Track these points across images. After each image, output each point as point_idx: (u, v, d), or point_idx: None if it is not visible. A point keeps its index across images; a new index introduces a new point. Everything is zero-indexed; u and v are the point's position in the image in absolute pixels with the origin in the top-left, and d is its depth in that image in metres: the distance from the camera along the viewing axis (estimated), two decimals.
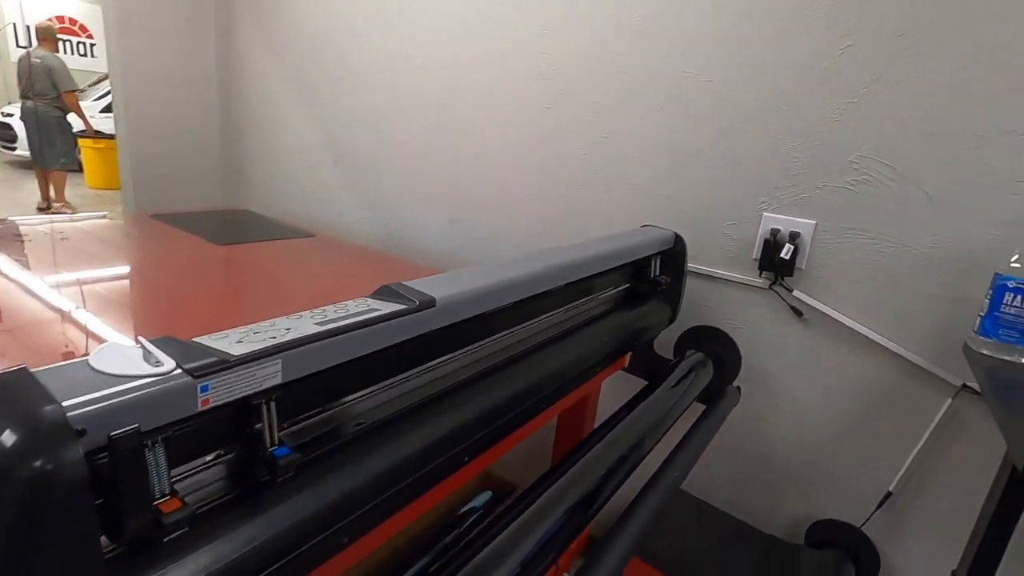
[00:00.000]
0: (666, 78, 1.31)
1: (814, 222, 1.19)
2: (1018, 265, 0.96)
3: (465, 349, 0.75)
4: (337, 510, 0.53)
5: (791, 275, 1.22)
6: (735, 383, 1.28)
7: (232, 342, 0.48)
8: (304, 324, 0.54)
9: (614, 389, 1.28)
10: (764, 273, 1.25)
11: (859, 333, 1.17)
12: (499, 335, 0.82)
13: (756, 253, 1.26)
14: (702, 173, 1.30)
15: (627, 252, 1.07)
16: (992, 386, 0.92)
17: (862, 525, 1.21)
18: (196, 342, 0.48)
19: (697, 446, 0.99)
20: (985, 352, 1.00)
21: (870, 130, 1.10)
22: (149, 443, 0.39)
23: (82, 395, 0.37)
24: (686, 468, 0.92)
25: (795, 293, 1.22)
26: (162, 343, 0.45)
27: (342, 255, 1.62)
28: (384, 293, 0.65)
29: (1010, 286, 0.96)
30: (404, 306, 0.61)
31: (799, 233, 1.20)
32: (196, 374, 0.43)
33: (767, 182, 1.23)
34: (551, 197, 1.55)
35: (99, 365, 0.41)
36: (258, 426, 0.48)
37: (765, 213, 1.24)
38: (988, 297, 0.99)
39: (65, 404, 0.36)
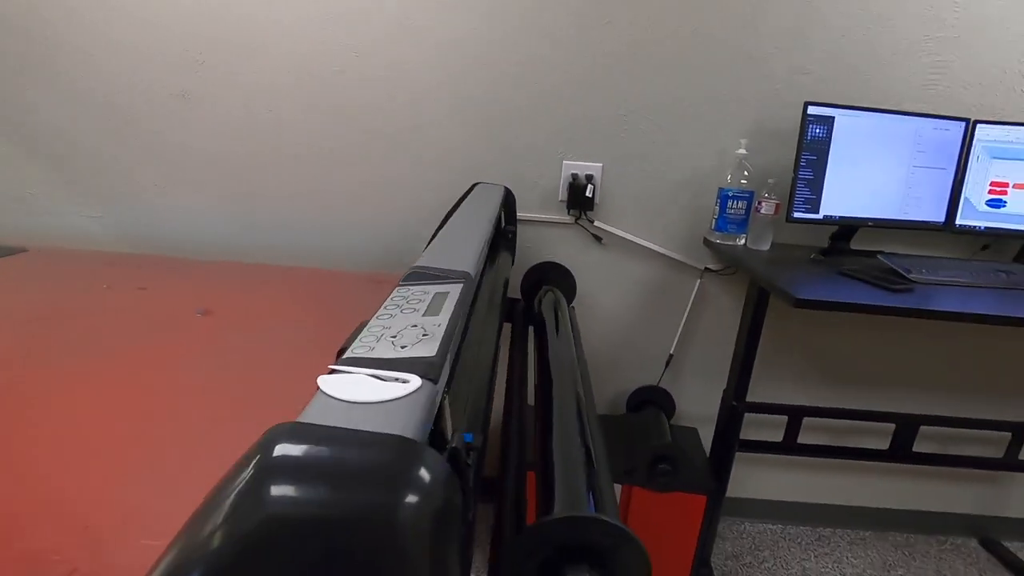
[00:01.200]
0: (473, 46, 1.41)
1: (601, 164, 1.50)
2: (730, 181, 1.45)
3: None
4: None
5: (591, 209, 1.52)
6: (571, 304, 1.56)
7: (397, 347, 0.46)
8: (416, 319, 0.52)
9: None
10: (571, 211, 1.53)
11: (639, 244, 1.56)
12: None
13: (562, 195, 1.52)
14: (511, 132, 1.48)
15: (495, 211, 1.19)
16: (732, 259, 1.39)
17: (659, 383, 1.67)
18: (375, 357, 0.44)
19: (583, 368, 1.21)
20: (719, 242, 1.48)
21: (631, 91, 1.45)
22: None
23: (395, 423, 0.34)
24: (589, 388, 1.13)
25: (596, 223, 1.54)
26: (364, 363, 0.41)
27: (97, 268, 1.25)
28: (417, 277, 0.64)
29: (729, 195, 1.44)
30: (461, 282, 0.62)
31: (592, 175, 1.50)
32: (435, 380, 0.41)
33: (563, 135, 1.48)
34: (355, 168, 1.51)
35: (357, 398, 0.36)
36: (440, 420, 0.48)
37: (565, 161, 1.50)
38: (717, 204, 1.47)
39: (399, 433, 0.33)
